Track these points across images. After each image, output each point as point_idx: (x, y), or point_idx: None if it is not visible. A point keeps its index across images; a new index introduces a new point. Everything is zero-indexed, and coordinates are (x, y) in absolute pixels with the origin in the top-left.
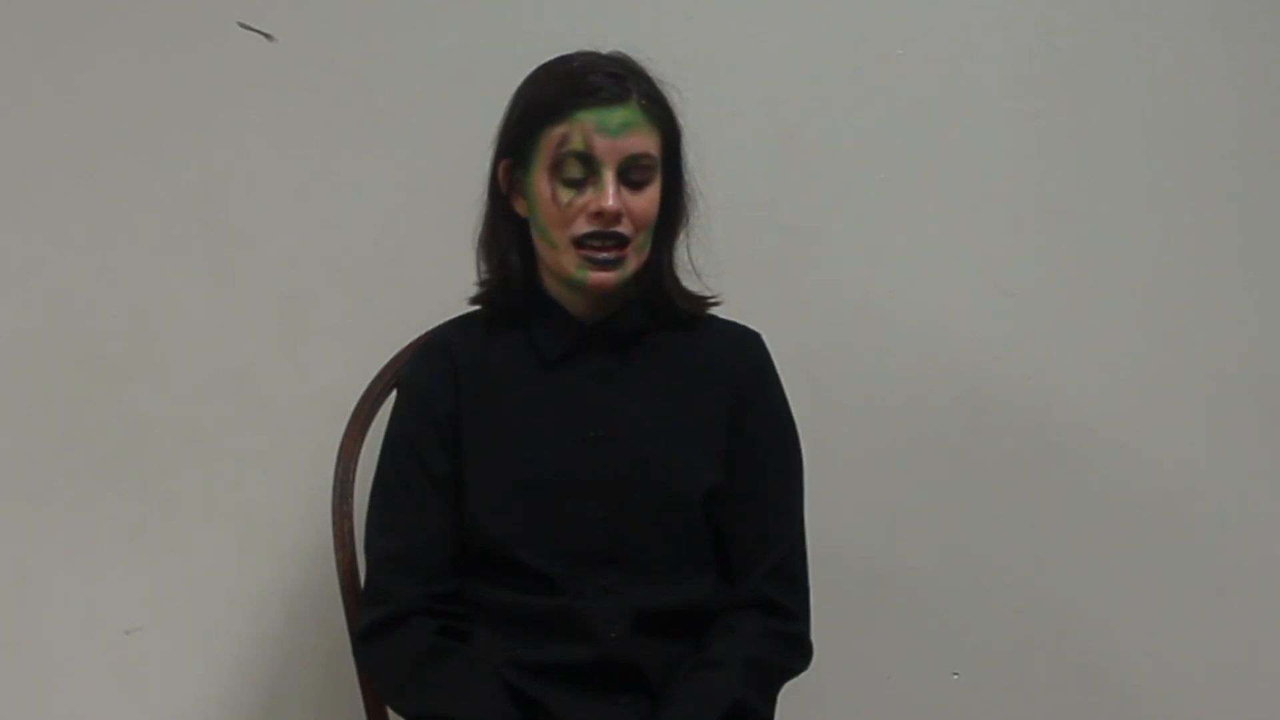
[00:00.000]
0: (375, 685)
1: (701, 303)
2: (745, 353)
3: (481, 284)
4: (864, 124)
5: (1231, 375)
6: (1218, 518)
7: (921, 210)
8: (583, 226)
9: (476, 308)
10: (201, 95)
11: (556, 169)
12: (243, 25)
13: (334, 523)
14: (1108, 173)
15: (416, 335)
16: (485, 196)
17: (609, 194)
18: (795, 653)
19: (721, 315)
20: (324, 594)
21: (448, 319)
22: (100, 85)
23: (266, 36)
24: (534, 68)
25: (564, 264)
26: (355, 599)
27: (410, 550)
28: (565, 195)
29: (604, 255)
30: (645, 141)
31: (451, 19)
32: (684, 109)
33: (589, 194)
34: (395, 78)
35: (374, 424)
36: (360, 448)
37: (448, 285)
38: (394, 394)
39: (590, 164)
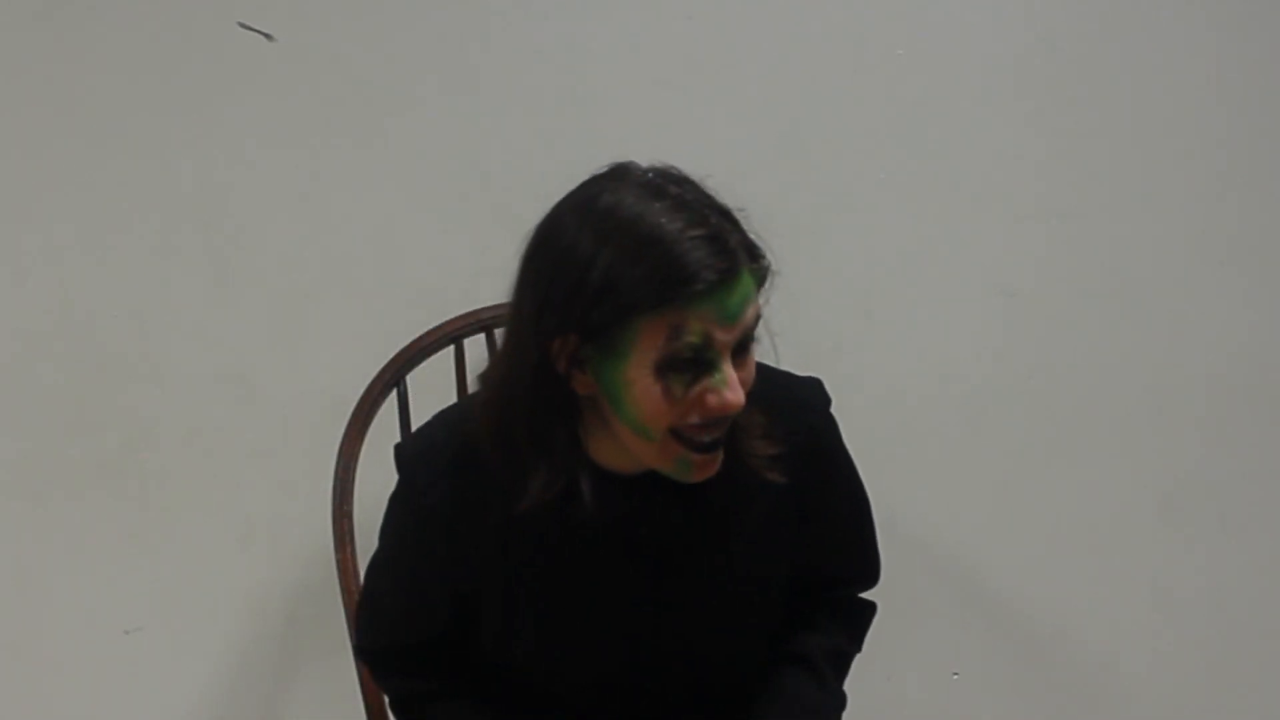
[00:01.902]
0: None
1: (765, 462)
2: (802, 439)
3: (509, 486)
4: (864, 124)
5: (1231, 375)
6: (1218, 518)
7: (921, 210)
8: (694, 419)
9: (454, 420)
10: (201, 95)
11: (668, 365)
12: (243, 25)
13: (334, 523)
14: (1107, 172)
15: (417, 335)
16: (518, 368)
17: (731, 389)
18: (866, 614)
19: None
20: (324, 594)
21: (426, 441)
22: (100, 85)
23: (266, 36)
24: (573, 205)
25: (662, 458)
26: (355, 599)
27: (408, 652)
28: (679, 391)
29: (710, 439)
30: (756, 307)
31: (451, 19)
32: (683, 109)
33: (703, 383)
34: (395, 78)
35: (374, 424)
36: (360, 448)
37: (448, 285)
38: (393, 396)
39: (704, 353)
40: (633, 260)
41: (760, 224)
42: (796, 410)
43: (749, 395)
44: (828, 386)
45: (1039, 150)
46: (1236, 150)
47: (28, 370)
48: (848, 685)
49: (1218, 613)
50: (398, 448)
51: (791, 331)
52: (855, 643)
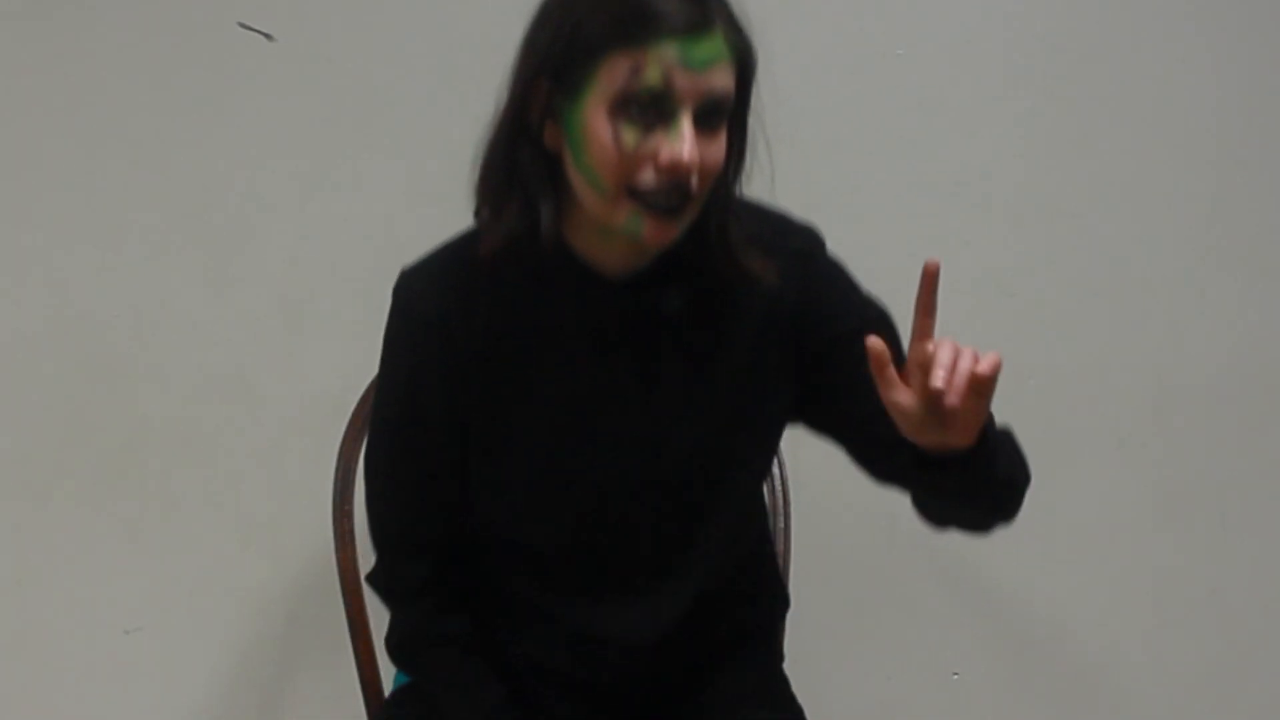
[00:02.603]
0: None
1: (757, 267)
2: (793, 276)
3: (487, 229)
4: (864, 124)
5: (1231, 375)
6: (1218, 518)
7: (921, 210)
8: (648, 178)
9: (452, 244)
10: (201, 95)
11: (621, 106)
12: (243, 25)
13: (334, 523)
14: (1107, 172)
15: None
16: (501, 121)
17: (687, 143)
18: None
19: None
20: (324, 594)
21: (423, 260)
22: (100, 85)
23: (266, 36)
24: None
25: (614, 215)
26: (355, 599)
27: (406, 533)
28: (630, 138)
29: (665, 203)
30: (727, 79)
31: (451, 18)
32: None
33: (658, 138)
34: (395, 78)
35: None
36: (360, 448)
37: None
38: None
39: (663, 103)
40: (603, 2)
41: None
42: (792, 260)
43: (738, 220)
44: None
45: (1039, 150)
46: (1236, 150)
47: (28, 370)
48: (848, 685)
49: (1218, 613)
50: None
51: None
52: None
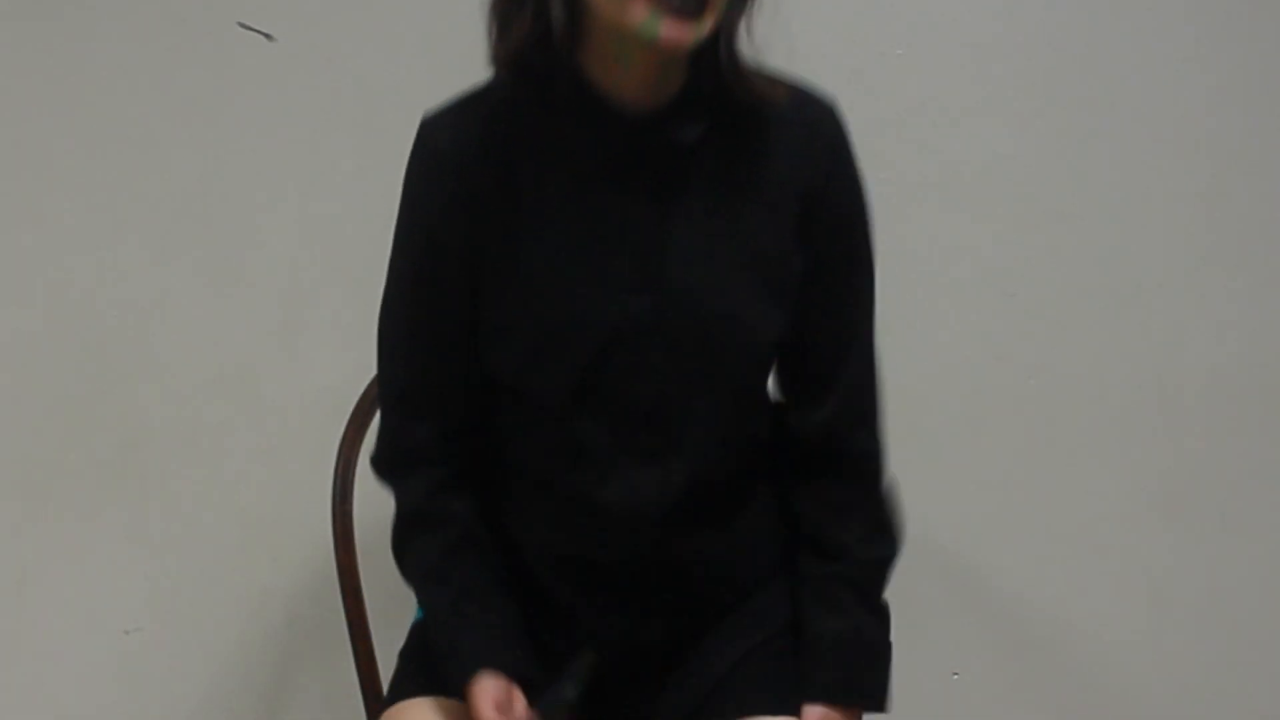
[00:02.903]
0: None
1: (770, 90)
2: (816, 146)
3: (497, 44)
4: (863, 124)
5: (1231, 375)
6: (1218, 518)
7: (921, 210)
8: None
9: (472, 89)
10: (201, 95)
11: None
12: (243, 25)
13: (334, 523)
14: (1107, 172)
15: None
16: None
17: None
18: (893, 532)
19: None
20: (324, 594)
21: (442, 104)
22: (100, 85)
23: (266, 36)
24: None
25: (629, 15)
26: (355, 599)
27: (413, 390)
28: None
29: (681, 2)
30: None
31: (452, 19)
32: None
33: None
34: (395, 78)
35: (374, 424)
36: (360, 448)
37: None
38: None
39: None
40: None
41: None
42: (814, 127)
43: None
44: None
45: (1039, 150)
46: (1237, 150)
47: (28, 370)
48: None
49: (1218, 613)
50: None
51: None
52: (884, 537)
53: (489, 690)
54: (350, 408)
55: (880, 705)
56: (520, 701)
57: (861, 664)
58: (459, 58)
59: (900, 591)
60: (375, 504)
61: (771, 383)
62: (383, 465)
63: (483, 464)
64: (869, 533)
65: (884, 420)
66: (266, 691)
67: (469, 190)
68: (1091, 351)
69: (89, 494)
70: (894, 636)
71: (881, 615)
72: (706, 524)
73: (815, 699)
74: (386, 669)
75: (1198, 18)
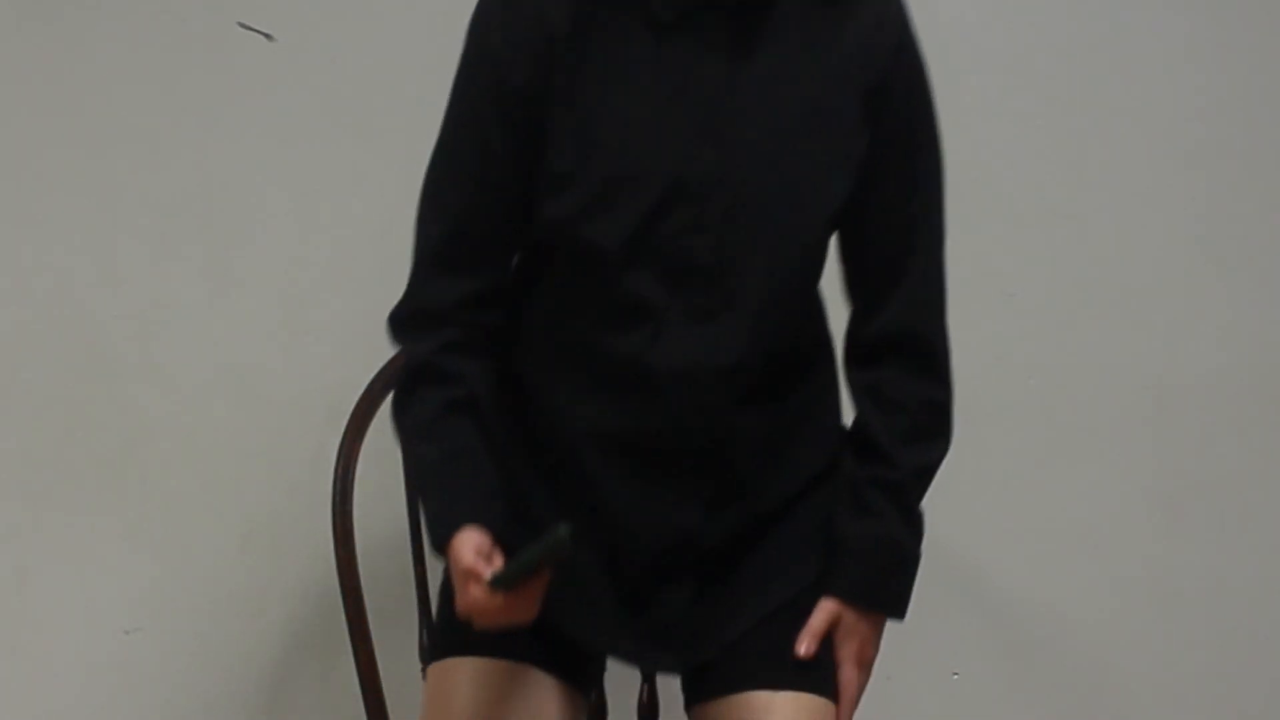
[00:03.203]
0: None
1: None
2: (885, 28)
3: None
4: None
5: (1231, 375)
6: (1218, 518)
7: None
8: None
9: None
10: (201, 95)
11: None
12: (243, 25)
13: (334, 523)
14: (1107, 173)
15: None
16: None
17: None
18: (942, 432)
19: None
20: (324, 594)
21: None
22: (100, 85)
23: (266, 36)
24: None
25: None
26: (355, 599)
27: (449, 243)
28: None
29: None
30: None
31: (452, 19)
32: None
33: None
34: (395, 78)
35: (374, 424)
36: (360, 448)
37: None
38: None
39: None
40: None
41: None
42: (884, 10)
43: None
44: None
45: (1039, 150)
46: (1237, 150)
47: (28, 370)
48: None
49: (1218, 613)
50: None
51: None
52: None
53: (472, 539)
54: (350, 408)
55: (899, 612)
56: (499, 559)
57: (885, 569)
58: (458, 58)
59: None
60: (375, 504)
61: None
62: (400, 322)
63: (518, 337)
64: (915, 436)
65: (947, 317)
66: (266, 691)
67: (542, 32)
68: (1091, 351)
69: (89, 494)
70: (894, 636)
71: (914, 524)
72: (756, 400)
73: (833, 594)
74: (387, 669)
75: (1197, 18)
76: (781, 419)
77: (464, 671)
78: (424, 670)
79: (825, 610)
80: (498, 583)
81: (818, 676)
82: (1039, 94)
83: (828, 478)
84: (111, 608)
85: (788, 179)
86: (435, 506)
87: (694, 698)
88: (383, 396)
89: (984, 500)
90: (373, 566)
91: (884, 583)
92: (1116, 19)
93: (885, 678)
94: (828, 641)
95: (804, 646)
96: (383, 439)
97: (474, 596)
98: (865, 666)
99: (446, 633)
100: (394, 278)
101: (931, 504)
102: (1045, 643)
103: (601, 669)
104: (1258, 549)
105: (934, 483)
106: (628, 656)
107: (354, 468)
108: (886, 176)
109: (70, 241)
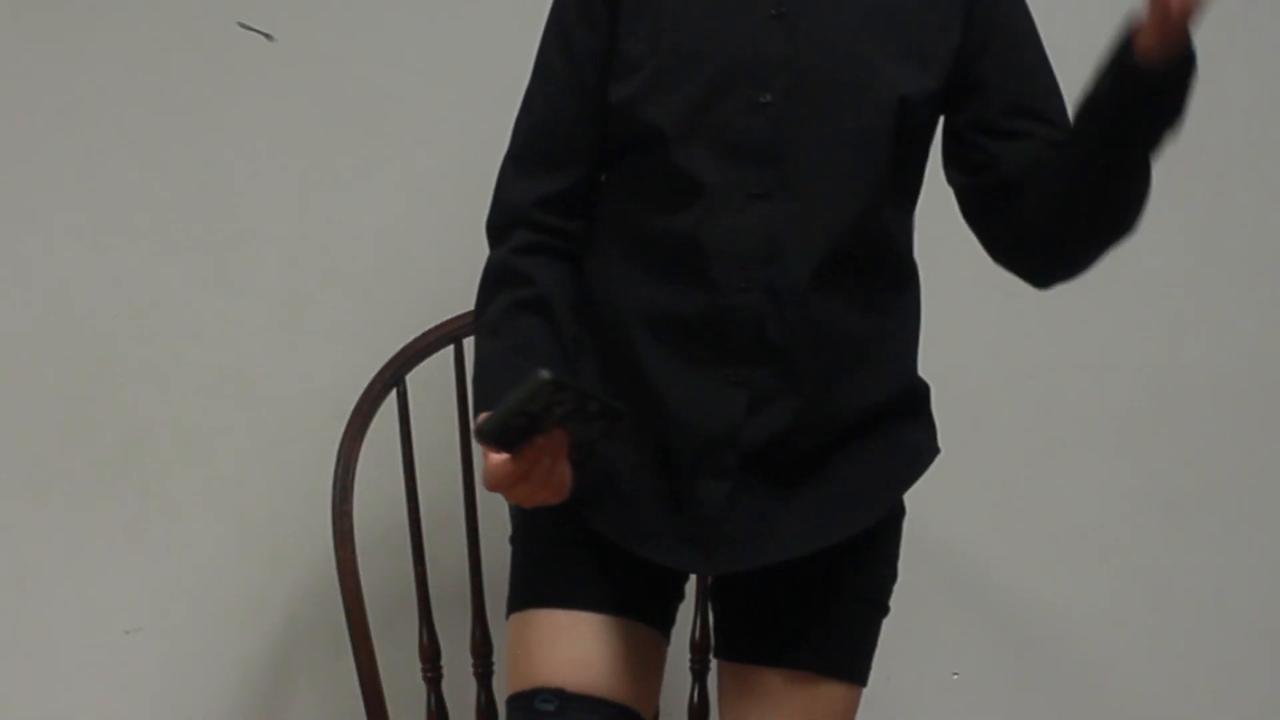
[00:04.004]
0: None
1: None
2: None
3: None
4: None
5: (1231, 375)
6: (1218, 518)
7: (921, 210)
8: None
9: None
10: (201, 95)
11: None
12: (243, 25)
13: (334, 522)
14: None
15: (416, 335)
16: None
17: None
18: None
19: None
20: (324, 594)
21: None
22: (100, 85)
23: (266, 36)
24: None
25: None
26: (355, 599)
27: (532, 142)
28: None
29: None
30: None
31: (452, 19)
32: None
33: None
34: (395, 78)
35: (374, 424)
36: (360, 448)
37: (448, 285)
38: (393, 395)
39: None
40: None
41: None
42: None
43: None
44: None
45: None
46: (1237, 150)
47: (28, 370)
48: None
49: (1218, 613)
50: None
51: None
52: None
53: None
54: (350, 408)
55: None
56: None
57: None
58: (459, 57)
59: (900, 591)
60: (375, 504)
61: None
62: (490, 228)
63: (591, 237)
64: None
65: None
66: (266, 691)
67: None
68: (1091, 351)
69: (89, 494)
70: (894, 636)
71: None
72: (815, 297)
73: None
74: (386, 669)
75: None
76: (842, 327)
77: (539, 625)
78: (507, 617)
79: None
80: (482, 432)
81: (843, 659)
82: None
83: (893, 422)
84: (111, 608)
85: (852, 66)
86: (480, 390)
87: (727, 653)
88: (383, 397)
89: (984, 500)
90: (373, 566)
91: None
92: (1115, 18)
93: (885, 678)
94: (862, 624)
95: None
96: (383, 439)
97: (491, 465)
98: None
99: (517, 585)
100: (394, 278)
101: (932, 503)
102: (1045, 643)
103: (677, 601)
104: (1258, 549)
105: (934, 483)
106: (661, 555)
107: (354, 468)
108: (990, 58)
109: (70, 241)
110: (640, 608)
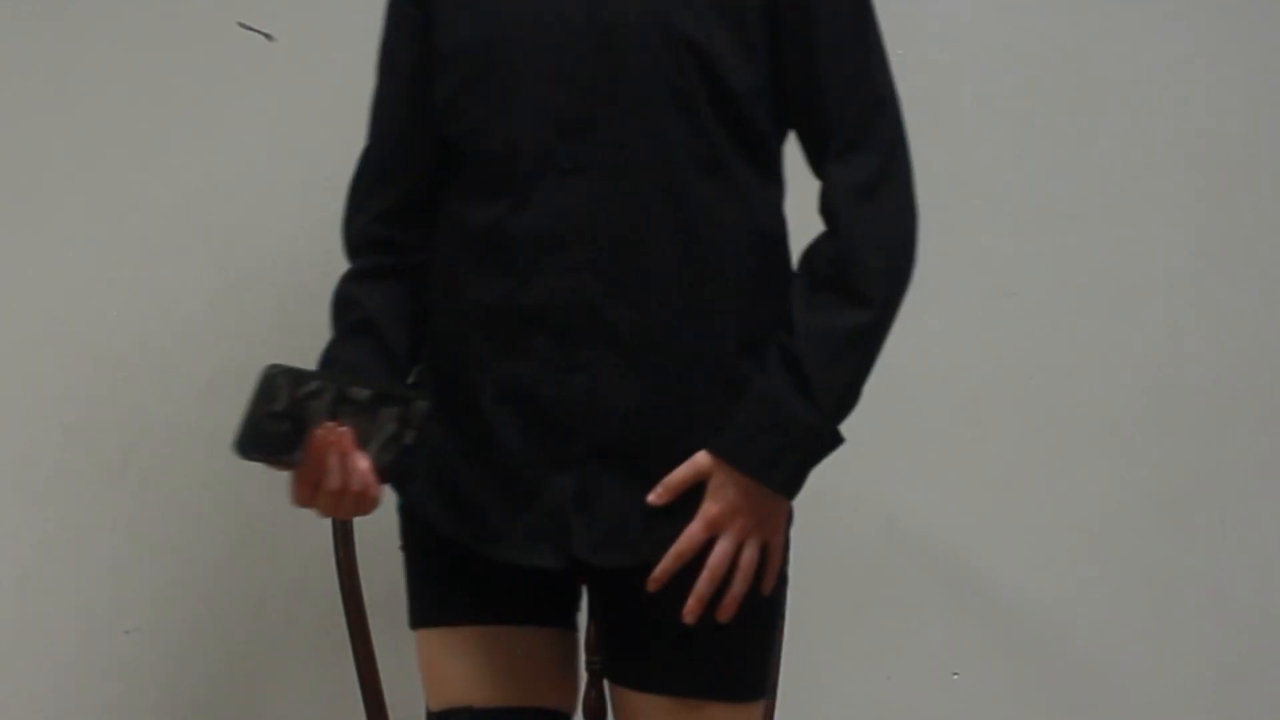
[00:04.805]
0: None
1: None
2: None
3: None
4: None
5: (1231, 375)
6: (1218, 518)
7: (921, 210)
8: None
9: None
10: (201, 95)
11: None
12: (243, 25)
13: (334, 523)
14: (1107, 173)
15: None
16: None
17: None
18: (849, 294)
19: None
20: (324, 594)
21: None
22: (100, 85)
23: (266, 36)
24: None
25: None
26: (355, 599)
27: (367, 161)
28: None
29: None
30: None
31: None
32: None
33: None
34: None
35: None
36: None
37: None
38: None
39: None
40: None
41: None
42: None
43: None
44: None
45: (1039, 150)
46: (1236, 150)
47: (28, 370)
48: (848, 685)
49: (1218, 613)
50: None
51: None
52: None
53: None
54: None
55: (773, 480)
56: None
57: (762, 428)
58: None
59: (900, 591)
60: None
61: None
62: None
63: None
64: (814, 297)
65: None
66: (267, 691)
67: None
68: (1091, 351)
69: (89, 494)
70: (894, 636)
71: (809, 390)
72: (639, 264)
73: (708, 447)
74: (386, 669)
75: (1198, 18)
76: (654, 308)
77: (435, 644)
78: None
79: (692, 462)
80: (237, 444)
81: (727, 679)
82: (1039, 94)
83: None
84: (111, 608)
85: (649, 24)
86: None
87: (610, 675)
88: None
89: (984, 500)
90: (373, 566)
91: (757, 441)
92: (1117, 19)
93: (885, 678)
94: (746, 636)
95: (653, 495)
96: None
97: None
98: (731, 533)
99: (411, 602)
100: None
101: (932, 503)
102: (1045, 643)
103: (573, 593)
104: (1258, 549)
105: (934, 483)
106: (512, 555)
107: None
108: (788, 25)
109: (70, 241)
110: (530, 610)
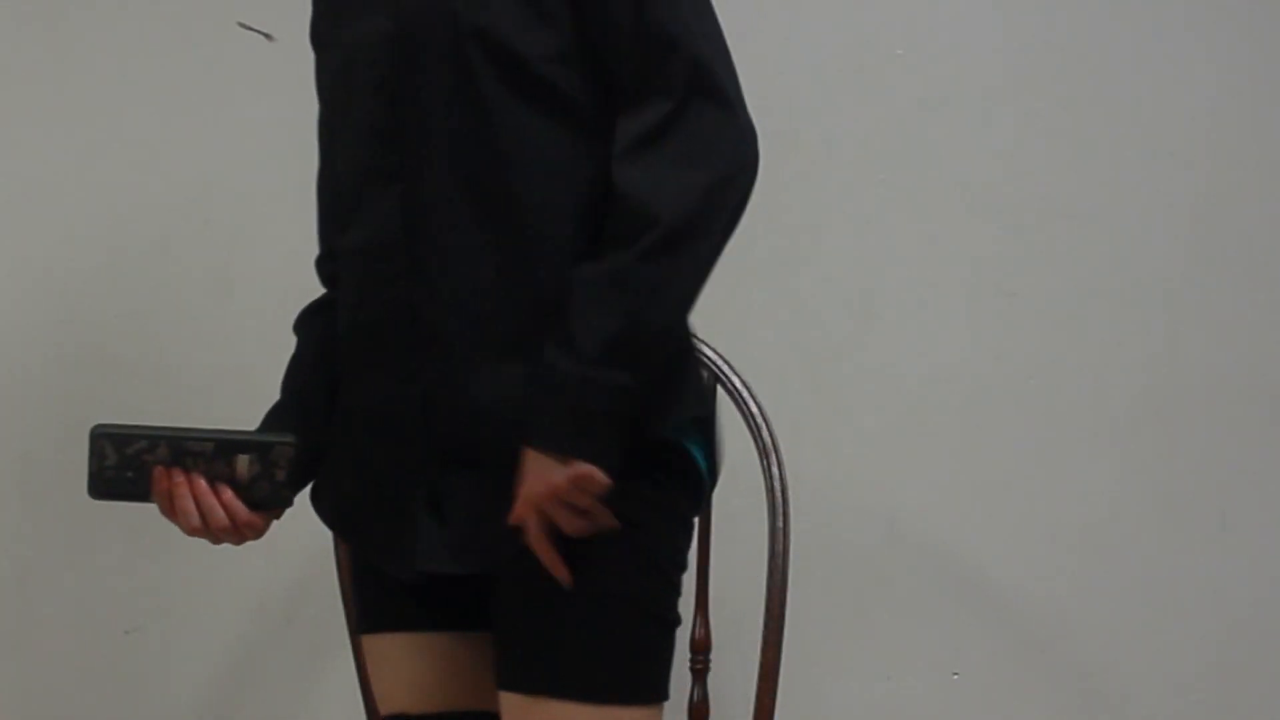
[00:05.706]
0: None
1: None
2: None
3: None
4: (864, 124)
5: (1231, 375)
6: (1217, 518)
7: (921, 210)
8: None
9: None
10: (201, 95)
11: None
12: (243, 25)
13: None
14: (1106, 173)
15: None
16: None
17: None
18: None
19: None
20: (324, 594)
21: None
22: (100, 85)
23: (266, 36)
24: None
25: None
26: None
27: (319, 195)
28: None
29: None
30: None
31: None
32: None
33: None
34: None
35: None
36: None
37: None
38: None
39: None
40: None
41: (760, 224)
42: None
43: None
44: (828, 386)
45: (1039, 150)
46: (1237, 151)
47: (28, 370)
48: (848, 685)
49: (1218, 613)
50: None
51: (792, 331)
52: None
53: None
54: None
55: (551, 442)
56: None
57: (540, 397)
58: None
59: (900, 591)
60: None
61: None
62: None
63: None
64: (602, 248)
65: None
66: (266, 691)
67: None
68: (1091, 351)
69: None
70: (894, 636)
71: (573, 344)
72: (455, 268)
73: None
74: None
75: (1198, 18)
76: (471, 306)
77: (371, 651)
78: None
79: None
80: (89, 491)
81: (587, 676)
82: (1039, 94)
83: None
84: (111, 608)
85: (443, 29)
86: None
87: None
88: None
89: (984, 500)
90: None
91: (539, 410)
92: (1117, 19)
93: (885, 678)
94: (612, 632)
95: (513, 515)
96: None
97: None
98: (545, 508)
99: (352, 607)
100: None
101: (932, 503)
102: (1045, 643)
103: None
104: (1258, 549)
105: (934, 482)
106: (376, 558)
107: None
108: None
109: (70, 240)
110: (451, 616)
